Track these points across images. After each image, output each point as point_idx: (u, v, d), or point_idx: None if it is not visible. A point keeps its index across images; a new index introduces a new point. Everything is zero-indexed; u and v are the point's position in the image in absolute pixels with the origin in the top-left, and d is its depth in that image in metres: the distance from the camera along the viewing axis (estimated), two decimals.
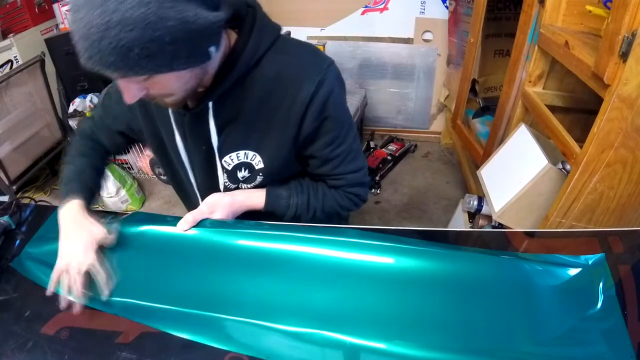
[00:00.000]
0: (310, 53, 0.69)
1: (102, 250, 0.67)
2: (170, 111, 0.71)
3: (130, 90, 0.54)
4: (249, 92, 0.66)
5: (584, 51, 0.96)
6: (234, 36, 0.65)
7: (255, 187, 0.78)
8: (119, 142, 0.85)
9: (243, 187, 0.78)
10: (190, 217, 0.70)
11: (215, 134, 0.70)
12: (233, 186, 0.78)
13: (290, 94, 0.65)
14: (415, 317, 0.58)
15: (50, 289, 0.64)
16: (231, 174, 0.75)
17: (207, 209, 0.72)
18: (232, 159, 0.73)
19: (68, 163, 0.81)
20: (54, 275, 0.64)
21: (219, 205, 0.73)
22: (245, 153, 0.72)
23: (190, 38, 0.49)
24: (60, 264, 0.64)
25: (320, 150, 0.72)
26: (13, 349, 0.58)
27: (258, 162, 0.73)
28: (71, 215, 0.69)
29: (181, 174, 0.82)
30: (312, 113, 0.66)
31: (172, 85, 0.56)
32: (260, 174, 0.75)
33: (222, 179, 0.76)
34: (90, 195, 0.76)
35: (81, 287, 0.62)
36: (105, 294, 0.63)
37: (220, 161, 0.74)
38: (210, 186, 0.78)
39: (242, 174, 0.75)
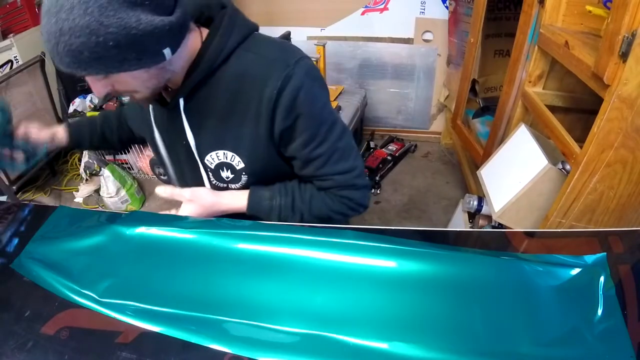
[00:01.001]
0: (279, 49, 0.67)
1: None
2: (150, 109, 0.75)
3: (96, 85, 0.60)
4: (218, 90, 0.67)
5: (584, 51, 0.96)
6: (206, 34, 0.66)
7: (243, 187, 0.77)
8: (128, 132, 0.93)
9: (231, 187, 0.77)
10: (169, 190, 0.74)
11: (190, 131, 0.71)
12: (222, 185, 0.78)
13: (256, 91, 0.65)
14: (416, 318, 0.58)
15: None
16: (215, 173, 0.75)
17: (188, 196, 0.74)
18: (212, 159, 0.73)
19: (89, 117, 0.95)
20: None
21: (199, 200, 0.74)
22: (224, 153, 0.72)
23: (135, 42, 0.53)
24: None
25: (299, 150, 0.70)
26: (13, 349, 0.58)
27: (238, 163, 0.73)
28: None
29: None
30: (281, 111, 0.65)
31: (132, 83, 0.61)
32: (243, 173, 0.74)
33: (206, 179, 0.77)
34: (78, 136, 0.89)
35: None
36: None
37: (203, 161, 0.74)
38: (197, 185, 0.78)
39: (226, 174, 0.75)
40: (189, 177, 0.80)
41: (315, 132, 0.69)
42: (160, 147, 0.78)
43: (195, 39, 0.65)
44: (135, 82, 0.60)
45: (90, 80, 0.59)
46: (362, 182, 0.76)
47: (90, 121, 0.92)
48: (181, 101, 0.69)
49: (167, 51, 0.58)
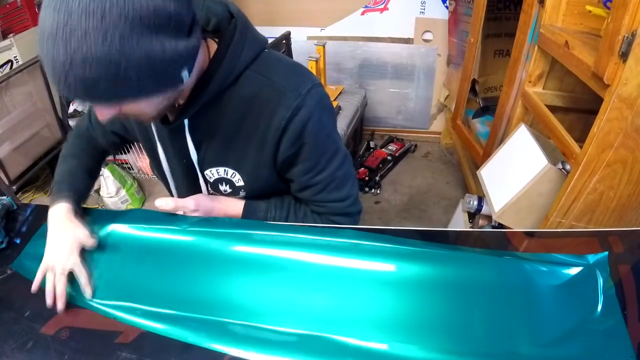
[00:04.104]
0: (291, 74, 0.65)
1: (84, 253, 0.68)
2: (152, 123, 0.72)
3: (103, 111, 0.54)
4: (226, 111, 0.65)
5: (584, 51, 0.96)
6: (214, 47, 0.63)
7: (239, 198, 0.78)
8: (115, 141, 0.85)
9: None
10: (172, 204, 0.70)
11: (194, 149, 0.70)
12: (218, 195, 0.78)
13: (264, 118, 0.64)
14: (416, 318, 0.58)
15: (34, 287, 0.65)
16: (213, 186, 0.76)
17: (193, 206, 0.72)
18: (212, 173, 0.73)
19: (61, 163, 0.82)
20: (39, 273, 0.65)
21: (202, 207, 0.74)
22: (225, 170, 0.72)
23: (157, 70, 0.49)
24: (46, 262, 0.66)
25: (298, 176, 0.71)
26: (13, 349, 0.58)
27: (238, 180, 0.73)
28: (58, 217, 0.71)
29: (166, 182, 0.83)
30: (288, 139, 0.65)
31: (144, 108, 0.56)
32: (242, 190, 0.75)
33: (204, 189, 0.77)
34: (79, 197, 0.77)
35: (64, 286, 0.63)
36: (87, 293, 0.64)
37: (202, 174, 0.74)
38: (194, 193, 0.78)
39: (224, 187, 0.75)
40: (186, 186, 0.80)
41: (316, 161, 0.69)
42: (162, 160, 0.76)
43: (203, 53, 0.61)
44: (149, 107, 0.56)
45: (96, 105, 0.54)
46: (354, 210, 0.77)
47: (76, 179, 0.79)
48: (186, 121, 0.67)
49: (185, 74, 0.54)
